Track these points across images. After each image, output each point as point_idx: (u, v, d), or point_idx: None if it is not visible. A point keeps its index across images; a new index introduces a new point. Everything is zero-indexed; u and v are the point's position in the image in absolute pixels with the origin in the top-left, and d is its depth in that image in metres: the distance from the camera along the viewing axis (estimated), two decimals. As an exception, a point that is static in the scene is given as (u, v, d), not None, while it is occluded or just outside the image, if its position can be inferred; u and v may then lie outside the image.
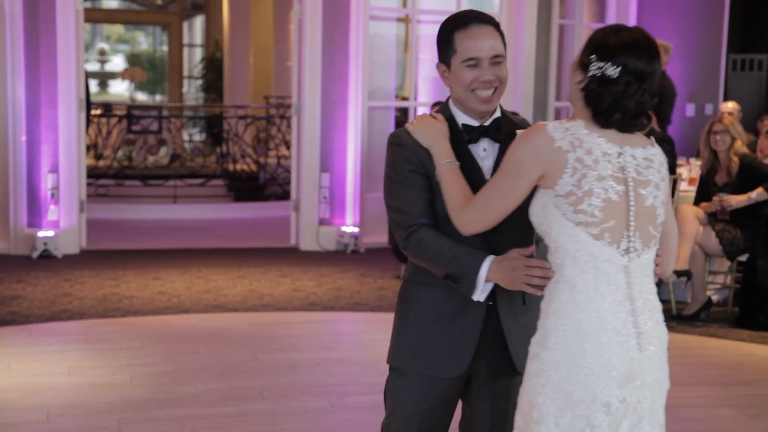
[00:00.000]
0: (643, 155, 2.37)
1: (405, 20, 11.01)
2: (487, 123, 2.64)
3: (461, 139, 2.61)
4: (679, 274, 6.12)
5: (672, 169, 6.56)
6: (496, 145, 2.63)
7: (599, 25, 9.97)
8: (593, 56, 2.33)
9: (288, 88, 12.97)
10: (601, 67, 2.31)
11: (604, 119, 2.34)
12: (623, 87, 2.30)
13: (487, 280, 2.49)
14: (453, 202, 2.47)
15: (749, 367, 5.46)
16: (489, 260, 2.49)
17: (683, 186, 6.97)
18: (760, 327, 6.18)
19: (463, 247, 2.52)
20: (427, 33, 9.24)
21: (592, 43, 2.36)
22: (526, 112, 9.06)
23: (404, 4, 10.51)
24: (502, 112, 2.69)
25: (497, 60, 2.57)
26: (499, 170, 2.39)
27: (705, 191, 6.55)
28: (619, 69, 2.30)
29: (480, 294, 2.51)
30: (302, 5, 8.44)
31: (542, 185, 2.36)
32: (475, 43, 2.55)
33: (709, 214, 6.45)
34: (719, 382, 5.17)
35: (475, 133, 2.61)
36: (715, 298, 6.76)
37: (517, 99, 9.05)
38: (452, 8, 8.93)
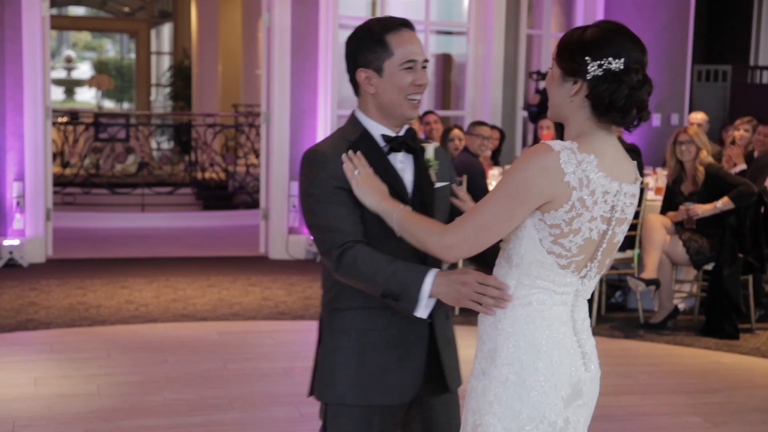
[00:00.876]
0: (632, 191, 2.25)
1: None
2: (401, 133, 2.55)
3: (379, 151, 2.49)
4: (647, 282, 6.18)
5: (639, 178, 6.62)
6: (410, 157, 2.55)
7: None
8: (586, 58, 2.16)
9: (257, 97, 12.95)
10: (602, 65, 2.15)
11: (620, 116, 2.17)
12: (634, 77, 2.16)
13: (430, 296, 2.32)
14: (429, 230, 2.27)
15: (715, 375, 5.51)
16: (433, 273, 2.32)
17: (650, 195, 7.03)
18: (726, 335, 6.25)
19: (401, 261, 2.36)
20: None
21: (573, 47, 2.18)
22: (495, 120, 9.12)
23: (373, 13, 10.54)
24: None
25: (425, 65, 2.54)
26: (498, 192, 2.18)
27: (671, 200, 6.62)
28: (622, 60, 2.16)
29: (423, 310, 2.34)
30: (271, 13, 8.43)
31: None
32: (411, 46, 2.50)
33: (676, 223, 6.51)
34: (686, 390, 5.21)
35: (396, 143, 2.51)
36: (681, 306, 6.83)
37: (485, 107, 9.10)
38: (421, 17, 8.97)
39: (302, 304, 6.88)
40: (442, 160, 2.61)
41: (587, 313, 2.33)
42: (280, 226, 8.58)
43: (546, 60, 9.84)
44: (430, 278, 2.32)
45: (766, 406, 5.02)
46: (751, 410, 4.92)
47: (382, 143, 2.51)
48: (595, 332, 6.32)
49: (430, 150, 2.58)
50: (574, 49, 2.18)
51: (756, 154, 7.72)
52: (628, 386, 5.23)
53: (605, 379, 5.77)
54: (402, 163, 2.54)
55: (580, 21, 9.93)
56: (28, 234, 8.06)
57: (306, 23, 8.45)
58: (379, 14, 9.38)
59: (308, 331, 6.33)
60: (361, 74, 2.50)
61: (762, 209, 6.48)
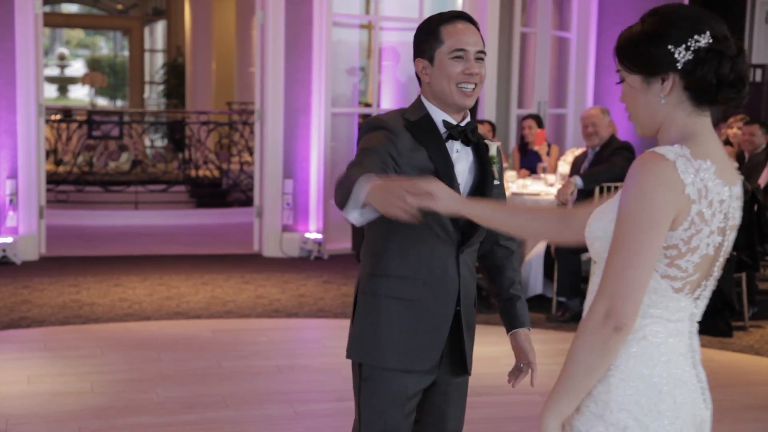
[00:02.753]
0: (738, 193, 1.98)
1: (368, 27, 11.03)
2: (463, 124, 2.63)
3: (438, 135, 2.59)
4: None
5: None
6: (468, 149, 2.64)
7: (563, 34, 10.07)
8: (668, 47, 1.89)
9: (251, 94, 12.94)
10: (689, 46, 1.88)
11: (735, 92, 1.91)
12: (729, 44, 1.90)
13: (366, 203, 2.22)
14: (600, 288, 1.91)
15: (709, 372, 5.46)
16: (370, 178, 2.24)
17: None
18: (720, 333, 6.26)
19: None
20: (390, 40, 9.26)
21: (644, 43, 1.92)
22: (489, 119, 9.11)
23: (367, 11, 10.53)
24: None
25: (480, 56, 2.61)
26: (624, 228, 1.87)
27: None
28: (707, 33, 1.89)
29: (353, 213, 2.25)
30: (265, 11, 8.42)
31: None
32: (463, 36, 2.59)
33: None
34: (679, 386, 5.22)
35: (455, 131, 2.60)
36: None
37: (480, 106, 9.10)
38: (415, 15, 8.96)
39: (296, 302, 6.88)
40: (500, 160, 2.71)
41: (698, 340, 2.06)
42: (274, 223, 8.57)
43: (541, 58, 9.85)
44: (366, 180, 2.23)
45: (760, 403, 5.04)
46: (744, 408, 4.94)
47: (442, 129, 2.60)
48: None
49: (494, 148, 2.67)
50: (647, 45, 1.91)
51: (746, 153, 7.73)
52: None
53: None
54: (458, 153, 2.63)
55: (574, 20, 9.93)
56: (21, 232, 8.04)
57: (300, 21, 8.44)
58: (372, 12, 9.37)
59: (302, 329, 6.33)
60: (419, 64, 2.63)
61: (755, 207, 6.49)
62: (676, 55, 1.89)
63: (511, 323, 2.75)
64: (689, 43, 1.89)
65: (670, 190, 1.86)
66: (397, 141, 2.53)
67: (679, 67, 1.90)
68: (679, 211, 1.88)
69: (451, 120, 2.61)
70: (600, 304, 1.88)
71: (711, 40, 1.89)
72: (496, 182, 2.66)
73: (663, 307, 1.96)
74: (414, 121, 2.59)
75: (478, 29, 2.66)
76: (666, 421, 1.95)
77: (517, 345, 2.73)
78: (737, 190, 1.97)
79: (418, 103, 2.66)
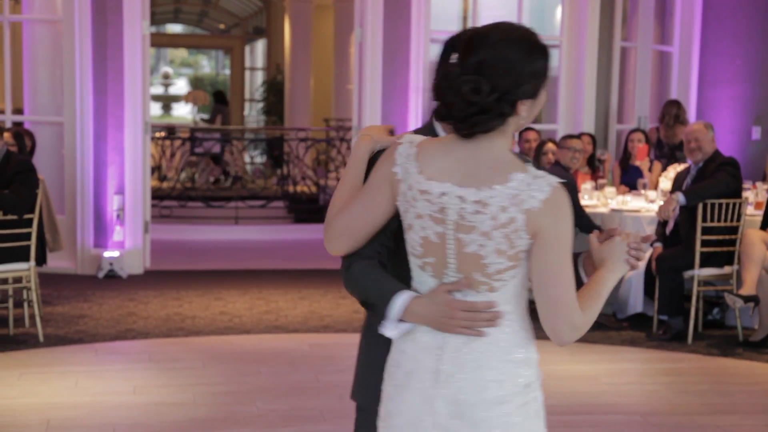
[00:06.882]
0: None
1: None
2: None
3: None
4: (746, 299, 6.01)
5: (737, 193, 6.47)
6: None
7: (664, 48, 9.90)
8: None
9: (348, 111, 13.08)
10: None
11: None
12: None
13: (404, 318, 2.13)
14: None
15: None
16: (407, 295, 2.13)
17: (750, 210, 6.85)
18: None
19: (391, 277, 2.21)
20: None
21: None
22: (588, 135, 9.00)
23: (464, 27, 10.55)
24: None
25: None
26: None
27: (772, 215, 6.43)
28: None
29: (391, 329, 2.16)
30: (363, 29, 8.52)
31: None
32: None
33: (777, 239, 6.32)
34: (787, 410, 5.05)
35: None
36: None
37: (578, 122, 9.01)
38: (513, 31, 8.93)
39: (393, 318, 6.90)
40: None
41: None
42: (371, 239, 8.62)
43: (642, 72, 9.69)
44: (403, 298, 2.13)
45: None
46: None
47: None
48: (692, 349, 6.19)
49: None
50: None
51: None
52: (727, 405, 5.10)
53: (702, 398, 5.64)
54: None
55: (676, 33, 9.75)
56: (128, 246, 8.29)
57: (397, 38, 8.50)
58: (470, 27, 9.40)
59: (399, 345, 6.34)
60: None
61: None
62: None
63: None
64: None
65: None
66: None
67: None
68: None
69: None
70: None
71: None
72: None
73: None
74: None
75: None
76: None
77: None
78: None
79: (430, 123, 2.43)
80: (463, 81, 1.97)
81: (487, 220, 1.99)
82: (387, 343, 2.29)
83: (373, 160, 2.30)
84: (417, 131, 2.47)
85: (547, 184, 2.00)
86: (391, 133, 2.41)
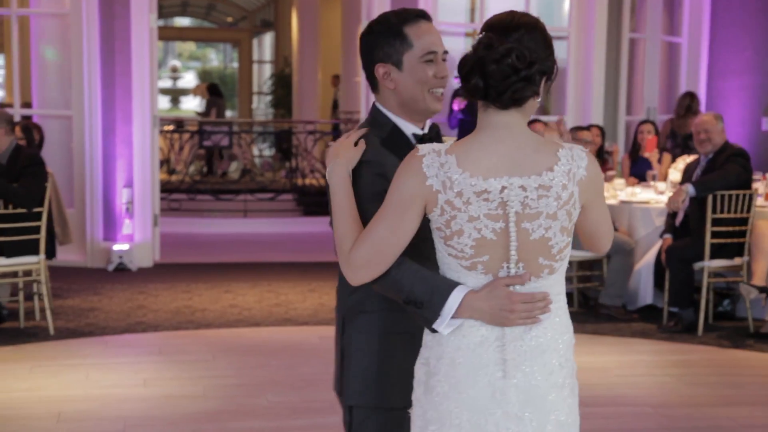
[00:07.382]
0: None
1: (473, 35, 11.00)
2: (426, 130, 2.44)
3: (410, 147, 2.30)
4: (760, 289, 6.00)
5: (747, 184, 6.44)
6: None
7: (673, 39, 9.86)
8: None
9: (356, 103, 13.06)
10: None
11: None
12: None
13: (458, 314, 2.12)
14: None
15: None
16: (463, 290, 2.12)
17: (759, 201, 6.83)
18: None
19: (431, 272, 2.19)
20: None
21: None
22: (597, 126, 8.98)
23: (472, 20, 10.52)
24: None
25: (445, 57, 2.41)
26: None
27: (782, 206, 6.41)
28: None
29: (444, 326, 2.13)
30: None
31: None
32: (431, 37, 2.38)
33: (787, 230, 6.30)
34: (798, 401, 5.04)
35: (426, 141, 2.38)
36: (792, 315, 6.60)
37: (587, 113, 8.98)
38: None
39: (402, 310, 6.91)
40: None
41: None
42: (380, 232, 8.62)
43: (651, 63, 9.66)
44: (459, 293, 2.12)
45: None
46: None
47: (413, 141, 2.41)
48: (702, 341, 6.18)
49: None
50: None
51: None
52: (738, 397, 5.09)
53: (713, 389, 5.63)
54: None
55: (685, 24, 9.71)
56: (137, 239, 8.31)
57: (406, 30, 8.48)
58: (478, 20, 9.37)
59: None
60: (380, 69, 2.39)
61: None
62: None
63: None
64: None
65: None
66: (389, 175, 2.24)
67: None
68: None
69: (417, 130, 2.42)
70: None
71: None
72: None
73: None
74: (385, 138, 2.38)
75: None
76: None
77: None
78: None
79: (378, 114, 2.42)
80: (507, 49, 2.04)
81: (551, 202, 2.07)
82: (405, 343, 2.32)
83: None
84: (371, 127, 2.40)
85: (580, 150, 2.13)
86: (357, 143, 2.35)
